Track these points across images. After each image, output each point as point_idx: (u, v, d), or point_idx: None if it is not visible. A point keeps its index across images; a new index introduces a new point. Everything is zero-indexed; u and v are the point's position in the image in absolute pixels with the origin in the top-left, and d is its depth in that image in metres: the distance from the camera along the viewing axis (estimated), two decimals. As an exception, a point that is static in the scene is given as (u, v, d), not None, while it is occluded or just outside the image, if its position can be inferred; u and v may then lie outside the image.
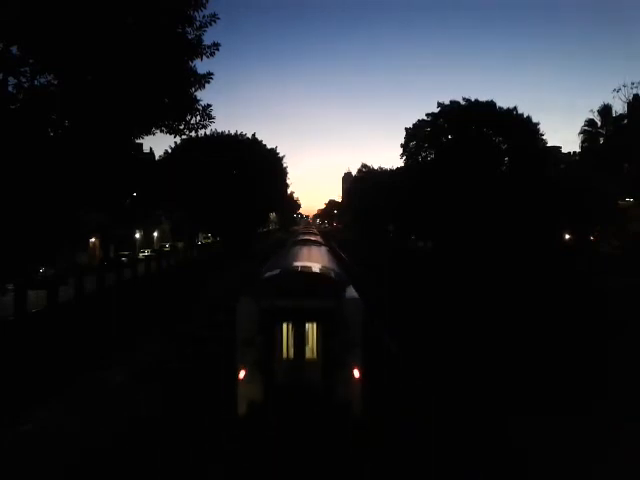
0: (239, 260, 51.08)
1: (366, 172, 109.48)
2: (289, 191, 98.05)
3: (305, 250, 18.41)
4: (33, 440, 10.05)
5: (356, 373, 9.75)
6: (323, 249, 20.75)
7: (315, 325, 10.08)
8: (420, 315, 22.15)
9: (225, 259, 52.06)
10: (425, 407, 11.22)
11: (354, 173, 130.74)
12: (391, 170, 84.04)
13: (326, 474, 8.37)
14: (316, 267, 12.54)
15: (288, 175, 78.62)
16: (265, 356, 9.88)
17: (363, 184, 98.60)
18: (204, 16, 13.22)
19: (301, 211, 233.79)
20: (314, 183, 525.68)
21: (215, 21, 13.37)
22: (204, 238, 77.40)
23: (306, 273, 11.65)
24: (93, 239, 47.42)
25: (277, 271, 12.01)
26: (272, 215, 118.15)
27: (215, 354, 15.86)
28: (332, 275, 12.09)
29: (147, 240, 61.28)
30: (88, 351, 15.65)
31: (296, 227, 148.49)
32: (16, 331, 15.05)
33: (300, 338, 10.08)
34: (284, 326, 10.05)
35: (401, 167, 63.38)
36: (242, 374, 9.83)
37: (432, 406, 11.20)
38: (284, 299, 10.14)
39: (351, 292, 11.04)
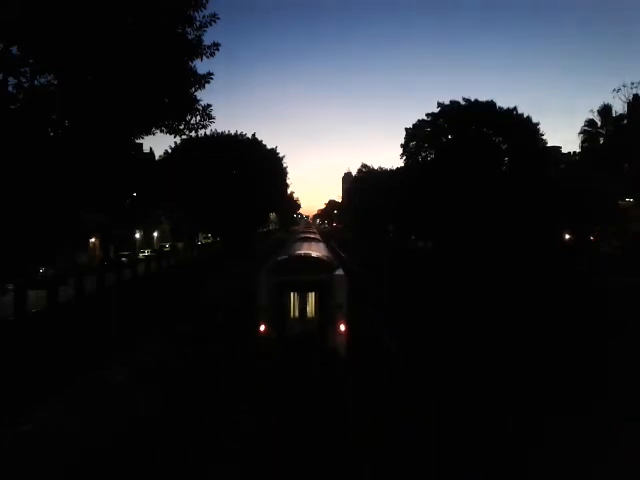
0: (239, 260, 51.11)
1: (366, 172, 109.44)
2: (289, 191, 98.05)
3: (306, 244, 22.50)
4: (33, 440, 10.05)
5: (342, 327, 13.26)
6: (320, 243, 25.23)
7: (313, 294, 13.66)
8: (420, 315, 22.16)
9: (225, 259, 52.08)
10: (425, 407, 11.22)
11: (354, 173, 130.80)
12: (391, 170, 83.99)
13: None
14: (314, 253, 16.29)
15: (288, 175, 78.70)
16: (278, 315, 13.32)
17: (363, 184, 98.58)
18: (204, 16, 13.23)
19: (301, 211, 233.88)
20: (314, 183, 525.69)
21: (215, 21, 13.37)
22: (204, 238, 77.40)
23: (307, 257, 15.44)
24: (93, 239, 47.43)
25: (286, 256, 16.07)
26: (272, 215, 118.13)
27: (215, 354, 15.88)
28: (325, 258, 15.78)
29: (147, 240, 61.28)
30: (88, 351, 15.66)
31: (296, 227, 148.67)
32: (16, 331, 15.04)
33: (303, 302, 13.70)
34: (291, 294, 13.66)
35: (401, 167, 63.39)
36: (262, 328, 13.30)
37: (432, 406, 11.20)
38: (291, 275, 13.69)
39: (339, 271, 14.23)
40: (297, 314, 13.71)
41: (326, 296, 13.46)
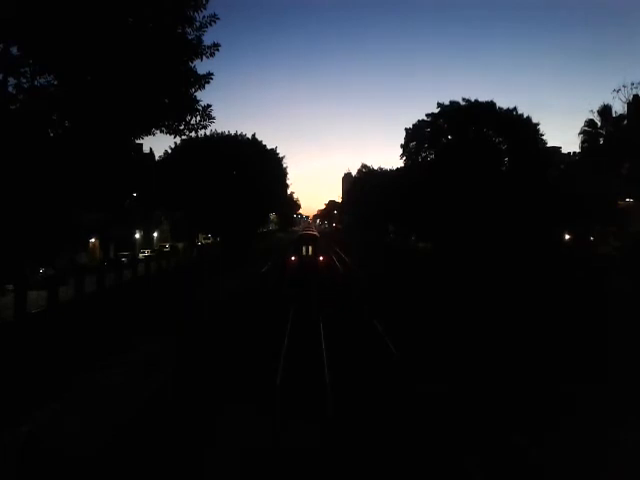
0: (238, 261, 51.11)
1: (366, 172, 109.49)
2: (289, 191, 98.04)
3: (308, 231, 51.75)
4: (32, 440, 10.02)
5: (320, 258, 36.45)
6: (315, 231, 56.72)
7: (310, 246, 35.80)
8: (420, 317, 22.20)
9: (224, 260, 52.03)
10: (427, 412, 11.22)
11: (354, 173, 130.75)
12: (391, 170, 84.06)
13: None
14: (311, 232, 46.83)
15: (288, 175, 78.75)
16: (298, 253, 35.56)
17: (363, 184, 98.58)
18: (204, 17, 13.25)
19: (301, 211, 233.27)
20: (314, 183, 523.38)
21: (215, 21, 13.38)
22: (204, 238, 77.38)
23: (308, 233, 42.87)
24: (93, 239, 47.38)
25: (301, 233, 45.23)
26: (272, 215, 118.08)
27: (213, 355, 15.89)
28: (315, 233, 43.76)
29: (147, 240, 61.18)
30: (87, 351, 15.64)
31: (296, 228, 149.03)
32: (16, 332, 15.04)
33: (307, 249, 35.52)
34: (303, 246, 35.90)
35: (401, 167, 63.40)
36: (293, 258, 35.62)
37: (434, 410, 11.21)
38: (303, 241, 37.05)
39: (319, 238, 42.02)
40: (304, 253, 35.17)
41: (315, 247, 35.74)
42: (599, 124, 52.27)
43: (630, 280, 28.41)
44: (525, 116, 49.87)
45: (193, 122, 14.33)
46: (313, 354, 15.48)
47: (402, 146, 56.30)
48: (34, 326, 16.19)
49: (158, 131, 14.39)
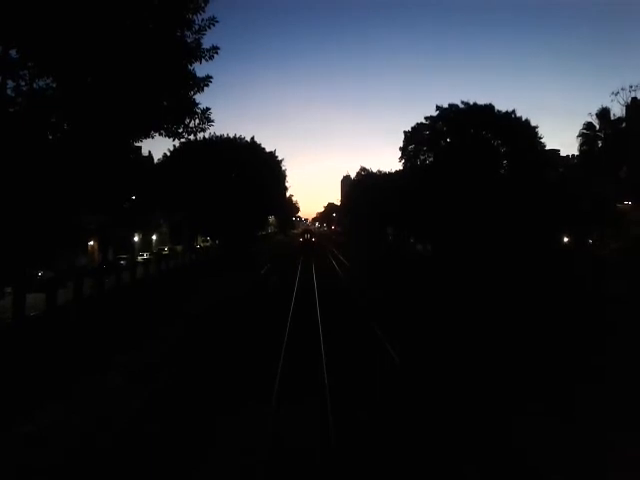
0: (238, 263, 51.12)
1: (365, 175, 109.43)
2: (288, 194, 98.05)
3: (307, 228, 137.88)
4: (32, 441, 10.00)
5: (313, 239, 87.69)
6: (314, 230, 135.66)
7: (309, 234, 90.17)
8: (421, 320, 22.20)
9: (223, 263, 52.02)
10: (427, 415, 11.22)
11: (353, 176, 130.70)
12: (390, 173, 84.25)
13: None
14: (310, 228, 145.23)
15: (287, 178, 78.78)
16: (304, 238, 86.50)
17: (362, 187, 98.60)
18: (203, 20, 13.27)
19: (300, 214, 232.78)
20: (313, 186, 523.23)
21: (214, 24, 13.40)
22: (202, 241, 77.38)
23: (308, 228, 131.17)
24: (92, 242, 47.35)
25: (304, 229, 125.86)
26: (271, 218, 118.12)
27: (214, 354, 15.87)
28: (312, 229, 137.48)
29: (146, 243, 61.16)
30: (86, 354, 15.61)
31: (295, 230, 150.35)
32: (15, 334, 15.00)
33: (307, 235, 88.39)
34: (305, 234, 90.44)
35: (400, 170, 63.48)
36: (301, 239, 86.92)
37: (436, 414, 11.20)
38: (306, 232, 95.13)
39: (314, 231, 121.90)
40: (306, 238, 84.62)
41: (311, 235, 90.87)
42: (598, 127, 52.35)
43: (628, 282, 28.44)
44: (524, 119, 49.96)
45: (192, 125, 14.33)
46: (313, 356, 15.49)
47: (401, 149, 56.32)
48: (33, 329, 16.15)
49: (157, 134, 14.41)
